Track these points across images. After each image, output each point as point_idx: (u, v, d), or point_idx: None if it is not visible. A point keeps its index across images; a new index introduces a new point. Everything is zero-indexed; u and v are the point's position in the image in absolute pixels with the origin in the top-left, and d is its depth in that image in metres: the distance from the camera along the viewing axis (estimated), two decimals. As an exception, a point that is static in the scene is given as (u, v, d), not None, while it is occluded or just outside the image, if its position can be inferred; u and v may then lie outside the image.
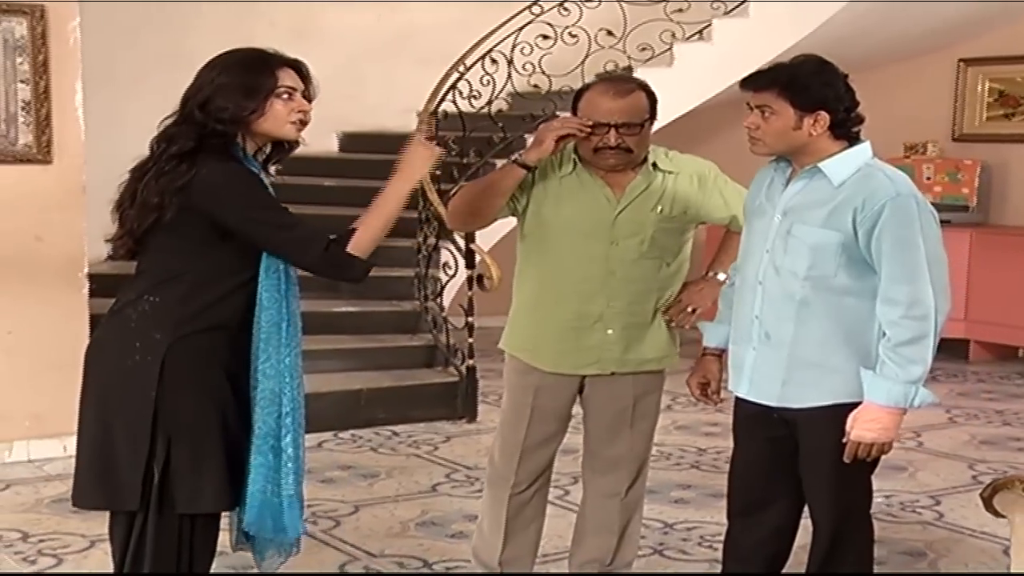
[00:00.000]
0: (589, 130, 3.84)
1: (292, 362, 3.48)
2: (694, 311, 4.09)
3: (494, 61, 8.11)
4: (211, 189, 3.31)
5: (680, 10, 8.34)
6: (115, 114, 7.92)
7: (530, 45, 8.17)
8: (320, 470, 5.99)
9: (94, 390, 3.47)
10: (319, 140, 9.19)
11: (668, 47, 8.29)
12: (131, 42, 8.22)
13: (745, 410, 3.81)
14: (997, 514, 3.76)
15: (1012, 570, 3.75)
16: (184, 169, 3.32)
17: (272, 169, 3.63)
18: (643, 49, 8.28)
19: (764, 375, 3.69)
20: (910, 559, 4.95)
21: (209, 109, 3.34)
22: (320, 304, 7.41)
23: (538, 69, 8.22)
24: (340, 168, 8.87)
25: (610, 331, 3.98)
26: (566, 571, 4.41)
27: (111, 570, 4.42)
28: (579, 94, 3.96)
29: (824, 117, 3.54)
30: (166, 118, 3.42)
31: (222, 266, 3.40)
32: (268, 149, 3.55)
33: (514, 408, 4.11)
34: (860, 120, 3.65)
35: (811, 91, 3.55)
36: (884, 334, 3.52)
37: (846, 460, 3.56)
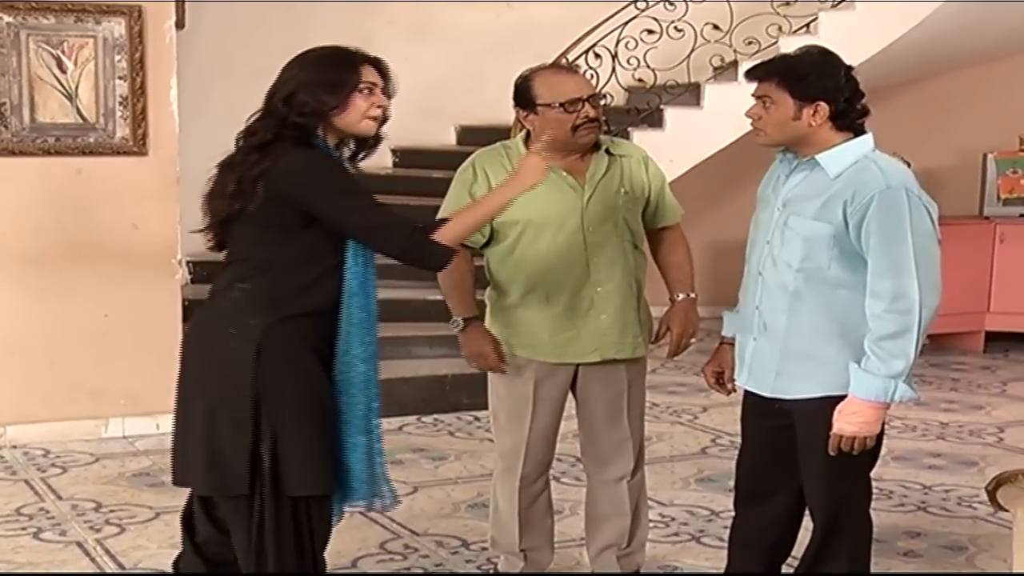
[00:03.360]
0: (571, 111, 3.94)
1: (375, 349, 3.62)
2: (692, 333, 4.22)
3: (598, 56, 8.20)
4: (293, 175, 3.43)
5: (787, 3, 8.33)
6: (232, 109, 8.23)
7: (635, 40, 8.24)
8: (392, 452, 6.16)
9: (192, 378, 3.59)
10: (438, 133, 9.42)
11: (774, 41, 8.23)
12: (249, 40, 8.50)
13: (749, 400, 3.88)
14: (1001, 508, 3.75)
15: (1015, 563, 3.74)
16: (256, 159, 3.45)
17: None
18: (749, 43, 8.26)
19: (761, 365, 3.76)
20: (949, 552, 4.95)
21: (293, 103, 3.46)
22: (414, 292, 7.62)
23: (643, 63, 8.30)
24: (456, 160, 9.01)
25: (603, 316, 4.07)
26: (585, 556, 4.52)
27: (167, 539, 4.75)
28: (525, 87, 4.03)
29: (823, 108, 3.59)
30: (252, 115, 3.56)
31: (310, 252, 3.50)
32: (352, 145, 3.66)
33: (515, 403, 4.19)
34: (864, 112, 3.68)
35: (809, 81, 3.60)
36: (870, 328, 3.56)
37: (830, 453, 3.60)
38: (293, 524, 3.52)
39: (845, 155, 3.62)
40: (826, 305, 3.62)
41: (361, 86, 3.51)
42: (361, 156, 3.70)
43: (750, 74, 3.70)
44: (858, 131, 3.66)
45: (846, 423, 3.55)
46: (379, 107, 3.55)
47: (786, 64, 3.67)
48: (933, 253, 3.55)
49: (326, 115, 3.49)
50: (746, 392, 3.88)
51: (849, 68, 3.67)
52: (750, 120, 3.71)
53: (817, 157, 3.63)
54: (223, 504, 3.62)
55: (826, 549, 3.79)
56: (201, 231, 3.64)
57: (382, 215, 3.51)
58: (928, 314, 3.51)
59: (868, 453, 3.67)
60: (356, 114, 3.52)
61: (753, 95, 3.70)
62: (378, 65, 3.58)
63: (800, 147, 3.67)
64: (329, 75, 3.49)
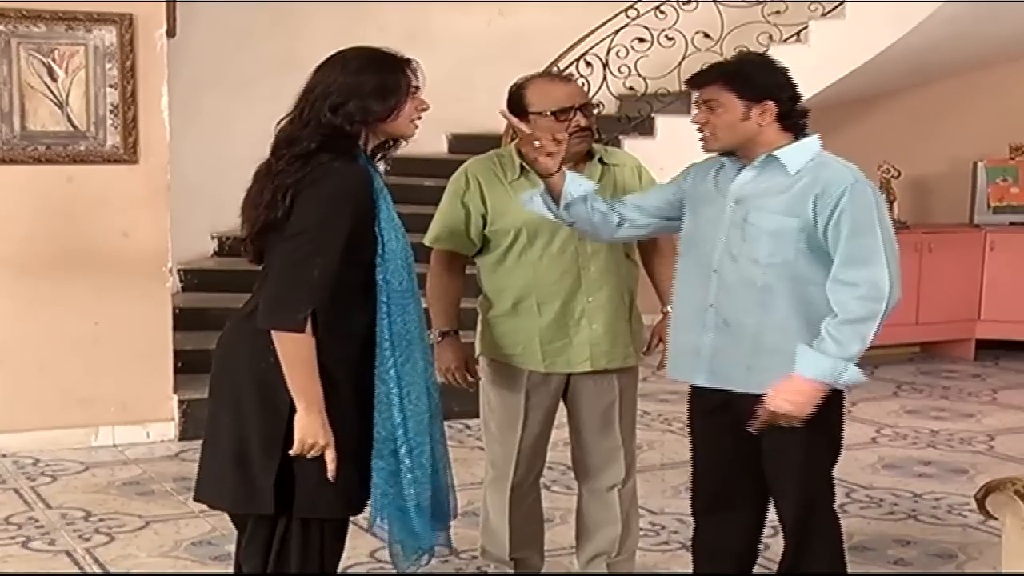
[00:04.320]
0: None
1: (398, 372, 3.37)
2: None
3: (589, 64, 8.21)
4: (312, 188, 3.25)
5: (777, 12, 8.34)
6: (223, 117, 8.26)
7: (626, 48, 8.26)
8: (383, 460, 6.18)
9: (226, 393, 3.43)
10: (429, 141, 9.40)
11: (765, 49, 8.21)
12: (242, 45, 8.50)
13: (703, 403, 3.84)
14: (990, 516, 3.76)
15: (1003, 571, 3.74)
16: (298, 167, 3.28)
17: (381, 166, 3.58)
18: (740, 51, 8.28)
19: (725, 362, 3.71)
20: (939, 560, 4.95)
21: (342, 112, 3.30)
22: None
23: (634, 71, 8.31)
24: (447, 168, 8.99)
25: (595, 326, 4.08)
26: (575, 564, 4.51)
27: (156, 547, 4.79)
28: (518, 95, 4.02)
29: (771, 107, 3.61)
30: (281, 120, 3.40)
31: (346, 268, 3.30)
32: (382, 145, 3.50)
33: (506, 411, 4.19)
34: (805, 112, 3.71)
35: (754, 81, 3.63)
36: (833, 313, 3.53)
37: (753, 431, 3.59)
38: (304, 544, 3.39)
39: (802, 152, 3.65)
40: (795, 300, 3.62)
41: (411, 89, 3.40)
42: (384, 157, 3.54)
43: (692, 81, 3.68)
44: (800, 131, 3.69)
45: (784, 400, 3.52)
46: (423, 109, 3.43)
47: (728, 67, 3.72)
48: (896, 247, 3.60)
49: (373, 123, 3.35)
50: (698, 395, 3.84)
51: (786, 69, 3.70)
52: (697, 126, 3.69)
53: (776, 153, 3.64)
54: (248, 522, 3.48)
55: (803, 551, 3.76)
56: (241, 243, 3.49)
57: (300, 275, 3.25)
58: (892, 304, 3.55)
59: (832, 449, 3.72)
60: (405, 118, 3.40)
61: (696, 102, 3.69)
62: (410, 65, 3.43)
63: (746, 149, 3.67)
64: (380, 82, 3.33)
